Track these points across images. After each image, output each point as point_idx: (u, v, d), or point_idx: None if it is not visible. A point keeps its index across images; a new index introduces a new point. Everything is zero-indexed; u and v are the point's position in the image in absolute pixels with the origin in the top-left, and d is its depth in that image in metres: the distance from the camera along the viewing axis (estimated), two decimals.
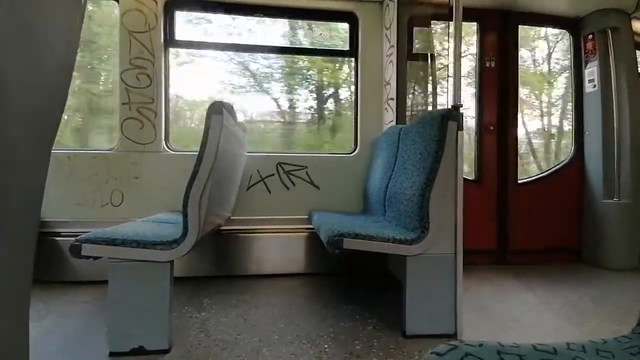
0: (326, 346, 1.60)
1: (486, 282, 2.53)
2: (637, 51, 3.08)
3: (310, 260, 2.71)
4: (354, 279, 2.57)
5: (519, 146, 3.17)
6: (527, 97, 3.83)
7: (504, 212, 3.08)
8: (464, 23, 1.77)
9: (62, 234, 2.45)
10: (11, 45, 0.61)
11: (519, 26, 3.16)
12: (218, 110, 1.55)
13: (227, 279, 2.55)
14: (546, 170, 3.27)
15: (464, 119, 1.70)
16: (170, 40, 2.74)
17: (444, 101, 2.18)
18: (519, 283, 2.51)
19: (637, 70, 3.05)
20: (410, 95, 2.76)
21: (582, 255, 3.11)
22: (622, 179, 2.93)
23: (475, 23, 3.13)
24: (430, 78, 2.78)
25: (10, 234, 0.65)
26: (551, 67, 3.84)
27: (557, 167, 3.24)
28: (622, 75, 2.96)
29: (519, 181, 3.12)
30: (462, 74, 1.78)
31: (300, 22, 3.15)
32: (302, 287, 2.44)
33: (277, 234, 2.70)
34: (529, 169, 3.68)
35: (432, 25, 2.75)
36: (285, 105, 3.35)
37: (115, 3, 2.61)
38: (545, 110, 3.94)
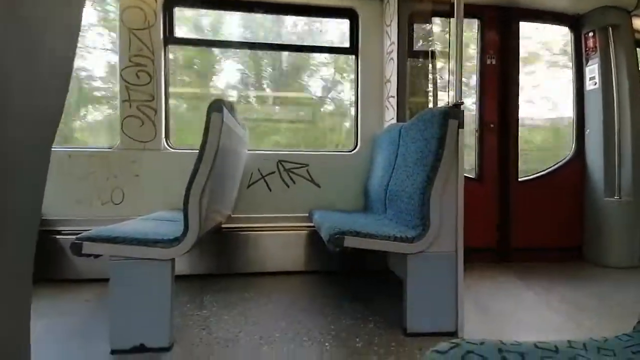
0: (327, 344, 1.60)
1: (487, 280, 2.54)
2: (637, 48, 3.07)
3: (311, 258, 2.71)
4: (355, 277, 2.57)
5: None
6: None
7: (505, 210, 3.08)
8: (464, 20, 1.76)
9: (63, 232, 2.46)
10: (9, 45, 0.60)
11: (520, 23, 3.15)
12: (218, 107, 1.54)
13: (228, 276, 2.56)
14: (547, 168, 3.26)
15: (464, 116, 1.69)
16: (169, 38, 2.73)
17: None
18: (520, 281, 2.51)
19: (638, 68, 3.04)
20: (411, 93, 2.76)
21: (584, 253, 3.11)
22: (623, 177, 2.93)
23: (476, 20, 3.12)
24: (431, 75, 2.78)
25: (11, 233, 0.64)
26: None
27: (558, 164, 3.23)
28: (623, 73, 2.96)
29: (520, 179, 3.12)
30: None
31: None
32: (303, 285, 2.45)
33: (278, 232, 2.70)
34: None
35: (432, 22, 2.74)
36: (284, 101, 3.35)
37: (115, 0, 2.60)
38: None
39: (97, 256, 1.50)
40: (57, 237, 2.44)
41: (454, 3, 1.74)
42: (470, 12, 3.03)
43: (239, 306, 2.03)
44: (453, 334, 1.68)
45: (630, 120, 2.94)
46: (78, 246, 1.46)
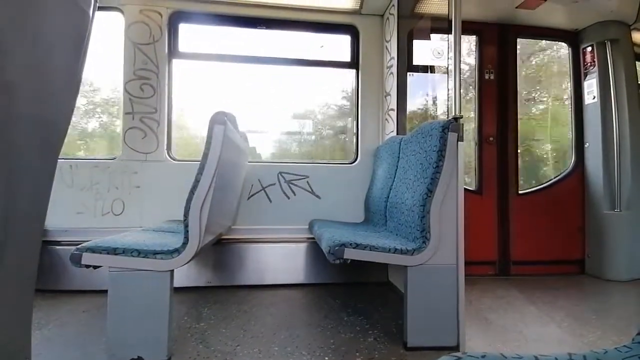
0: (327, 358, 1.58)
1: (488, 293, 2.51)
2: (637, 62, 3.12)
3: (311, 270, 2.70)
4: (355, 290, 2.55)
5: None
6: None
7: (505, 223, 3.08)
8: (463, 36, 1.80)
9: (63, 242, 2.45)
10: (18, 53, 0.62)
11: (518, 39, 3.21)
12: (220, 120, 1.56)
13: (227, 289, 2.54)
14: (547, 181, 3.27)
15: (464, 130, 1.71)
16: (174, 52, 2.79)
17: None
18: (521, 294, 2.49)
19: (637, 81, 3.07)
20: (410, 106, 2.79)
21: (585, 267, 3.09)
22: (623, 190, 2.93)
23: (474, 36, 3.18)
24: (430, 89, 2.82)
25: (16, 241, 0.65)
26: None
27: (558, 178, 3.24)
28: (621, 87, 2.99)
29: (520, 192, 3.13)
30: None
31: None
32: (302, 297, 2.43)
33: (278, 244, 2.70)
34: None
35: (431, 38, 2.80)
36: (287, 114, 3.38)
37: (120, 15, 2.66)
38: None
39: (96, 267, 1.50)
40: (57, 247, 2.44)
41: (452, 20, 1.78)
42: (468, 28, 3.10)
43: (237, 319, 2.01)
44: (454, 349, 1.66)
45: (629, 133, 2.96)
46: (78, 257, 1.46)
